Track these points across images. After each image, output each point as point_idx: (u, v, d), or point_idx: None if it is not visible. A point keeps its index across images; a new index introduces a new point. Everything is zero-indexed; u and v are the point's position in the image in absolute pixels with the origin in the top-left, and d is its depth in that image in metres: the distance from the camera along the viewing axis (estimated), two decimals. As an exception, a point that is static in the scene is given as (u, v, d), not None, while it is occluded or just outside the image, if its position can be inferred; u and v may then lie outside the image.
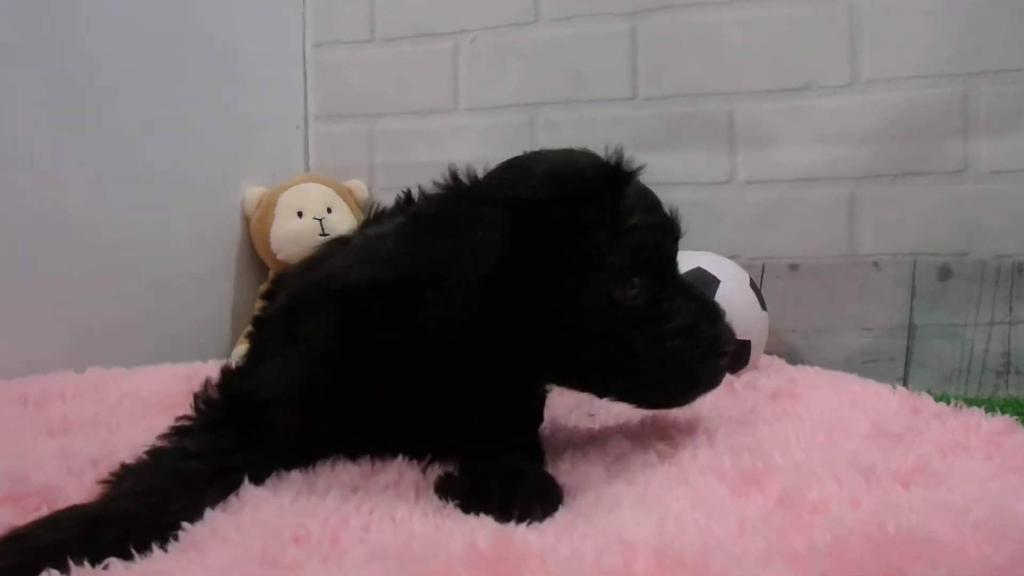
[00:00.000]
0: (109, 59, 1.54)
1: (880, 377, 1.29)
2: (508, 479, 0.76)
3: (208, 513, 0.70)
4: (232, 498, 0.74)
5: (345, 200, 1.89)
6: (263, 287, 1.66)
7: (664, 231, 0.88)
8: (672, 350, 0.83)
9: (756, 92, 1.69)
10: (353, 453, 0.86)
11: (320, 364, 0.86)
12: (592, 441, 0.98)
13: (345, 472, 0.82)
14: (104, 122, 1.53)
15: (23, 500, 0.76)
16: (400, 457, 0.85)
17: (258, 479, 0.78)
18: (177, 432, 0.84)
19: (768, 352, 1.54)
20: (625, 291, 0.82)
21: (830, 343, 1.64)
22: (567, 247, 0.80)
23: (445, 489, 0.76)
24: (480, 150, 0.90)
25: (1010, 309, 1.54)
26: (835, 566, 0.55)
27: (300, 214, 1.81)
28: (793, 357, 1.61)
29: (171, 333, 1.64)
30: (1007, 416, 0.95)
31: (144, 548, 0.63)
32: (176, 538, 0.65)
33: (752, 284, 1.47)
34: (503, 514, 0.68)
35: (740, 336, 1.38)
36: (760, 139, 1.69)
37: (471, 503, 0.72)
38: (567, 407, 1.11)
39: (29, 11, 1.40)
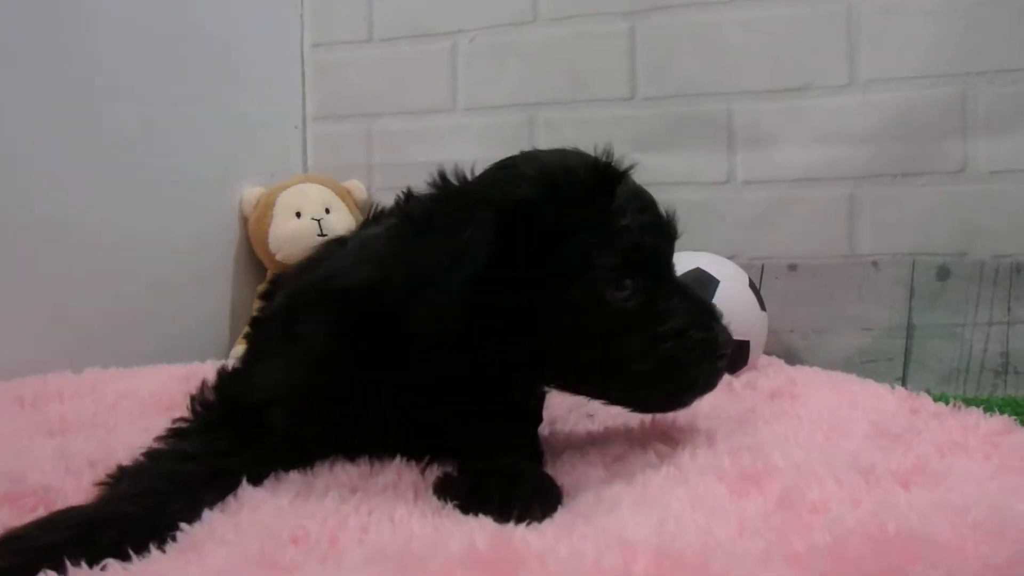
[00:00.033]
0: (109, 59, 1.54)
1: (879, 377, 1.30)
2: (507, 479, 0.76)
3: (206, 514, 0.69)
4: (230, 499, 0.74)
5: (344, 200, 1.89)
6: (261, 287, 1.66)
7: (658, 232, 0.87)
8: (667, 352, 0.82)
9: (755, 92, 1.69)
10: (351, 454, 0.86)
11: (317, 365, 0.85)
12: (591, 441, 0.99)
13: (343, 473, 0.82)
14: (104, 122, 1.53)
15: (20, 500, 0.76)
16: (399, 458, 0.85)
17: (256, 480, 0.78)
18: (174, 434, 0.84)
19: (767, 352, 1.54)
20: (617, 292, 0.81)
21: (829, 343, 1.64)
22: (558, 247, 0.80)
23: (444, 490, 0.76)
24: (479, 150, 0.90)
25: (1008, 309, 1.54)
26: (835, 566, 0.55)
27: (298, 214, 1.81)
28: (792, 357, 1.61)
29: (170, 333, 1.64)
30: (1005, 416, 0.95)
31: (141, 550, 0.62)
32: (174, 539, 0.65)
33: (751, 284, 1.47)
34: (502, 514, 0.68)
35: (739, 336, 1.38)
36: (759, 139, 1.69)
37: (470, 503, 0.71)
38: (566, 407, 1.10)
39: (29, 11, 1.40)
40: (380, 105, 1.99)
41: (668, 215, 0.89)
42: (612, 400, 0.88)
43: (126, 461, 0.77)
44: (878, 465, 0.77)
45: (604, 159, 0.86)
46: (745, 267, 1.53)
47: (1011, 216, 1.54)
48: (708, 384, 0.86)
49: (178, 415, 0.88)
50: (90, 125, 1.51)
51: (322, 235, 1.76)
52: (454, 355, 0.81)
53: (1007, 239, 1.55)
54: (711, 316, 0.87)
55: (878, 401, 1.12)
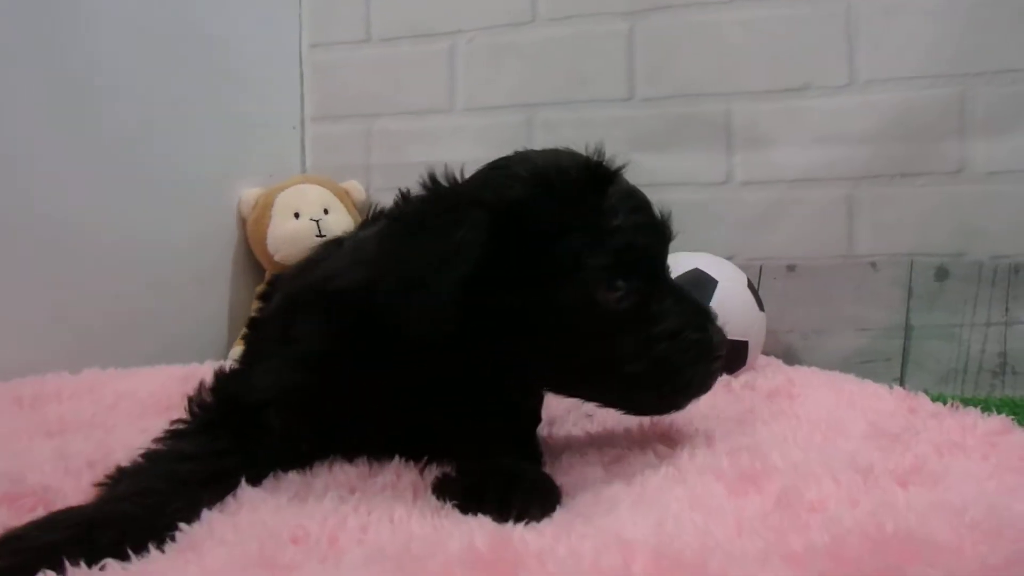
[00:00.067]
0: (109, 59, 1.54)
1: (877, 377, 1.30)
2: (506, 479, 0.76)
3: (205, 514, 0.69)
4: (229, 499, 0.74)
5: (342, 201, 1.89)
6: (259, 288, 1.66)
7: (652, 232, 0.86)
8: (661, 353, 0.82)
9: (754, 92, 1.69)
10: (350, 454, 0.86)
11: (313, 366, 0.85)
12: (590, 442, 0.99)
13: (342, 473, 0.82)
14: (104, 122, 1.53)
15: (19, 501, 0.76)
16: (397, 458, 0.85)
17: (255, 481, 0.78)
18: (172, 435, 0.84)
19: (766, 353, 1.54)
20: (609, 293, 0.81)
21: (827, 344, 1.64)
22: (550, 248, 0.80)
23: (443, 489, 0.76)
24: (477, 150, 0.90)
25: (1006, 309, 1.54)
26: (833, 566, 0.55)
27: (297, 215, 1.81)
28: (790, 358, 1.61)
29: (168, 333, 1.64)
30: (1003, 416, 0.95)
31: (140, 550, 0.62)
32: (173, 539, 0.65)
33: (750, 285, 1.47)
34: (501, 514, 0.68)
35: (738, 337, 1.39)
36: (758, 140, 1.70)
37: (469, 503, 0.71)
38: (565, 408, 1.11)
39: (29, 11, 1.40)
40: (378, 105, 1.99)
41: (662, 216, 0.88)
42: (606, 402, 0.87)
43: (125, 462, 0.77)
44: (876, 465, 0.77)
45: (596, 159, 0.86)
46: (743, 268, 1.53)
47: (1009, 217, 1.55)
48: (702, 386, 0.85)
49: (176, 416, 0.88)
50: (90, 125, 1.51)
51: (320, 236, 1.76)
52: (448, 356, 0.81)
53: (1005, 240, 1.55)
54: (706, 317, 0.86)
55: (876, 401, 1.12)
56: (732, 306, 1.39)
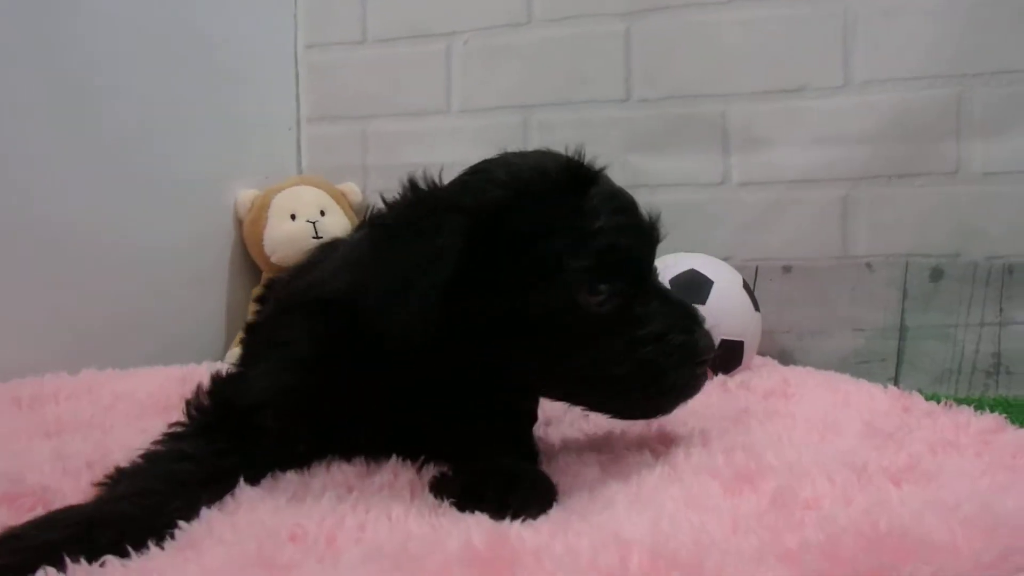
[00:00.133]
0: (108, 59, 1.54)
1: (872, 378, 1.31)
2: (503, 478, 0.76)
3: (204, 513, 0.70)
4: (228, 499, 0.74)
5: (338, 203, 1.89)
6: (256, 291, 1.66)
7: (636, 234, 0.85)
8: (645, 357, 0.81)
9: (751, 93, 1.70)
10: (346, 455, 0.87)
11: (304, 370, 0.86)
12: (587, 441, 0.99)
13: (340, 473, 0.83)
14: (103, 122, 1.53)
15: (19, 500, 0.76)
16: (394, 458, 0.85)
17: (253, 481, 0.78)
18: (170, 437, 0.84)
19: (761, 353, 1.55)
20: (591, 296, 0.80)
21: (823, 344, 1.65)
22: (530, 251, 0.79)
23: (440, 488, 0.77)
24: (474, 152, 0.90)
25: (1001, 310, 1.55)
26: (828, 563, 0.56)
27: (293, 217, 1.81)
28: (786, 358, 1.62)
29: (167, 334, 1.64)
30: (996, 414, 0.96)
31: (140, 548, 0.63)
32: (172, 538, 0.65)
33: (745, 285, 1.48)
34: (498, 512, 0.68)
35: (733, 337, 1.40)
36: (754, 141, 1.70)
37: (466, 502, 0.72)
38: (561, 407, 1.10)
39: (29, 11, 1.40)
40: (374, 106, 1.99)
41: (650, 217, 0.87)
42: (593, 407, 0.87)
43: (123, 462, 0.78)
44: (871, 463, 0.78)
45: (577, 160, 0.86)
46: (739, 268, 1.54)
47: (1005, 217, 1.55)
48: (688, 389, 0.84)
49: (175, 417, 0.88)
50: (89, 125, 1.51)
51: (317, 237, 1.77)
52: (434, 359, 0.81)
53: (1001, 240, 1.55)
54: (692, 320, 0.85)
55: (871, 400, 1.13)
56: (728, 306, 1.40)
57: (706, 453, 0.85)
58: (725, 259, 1.55)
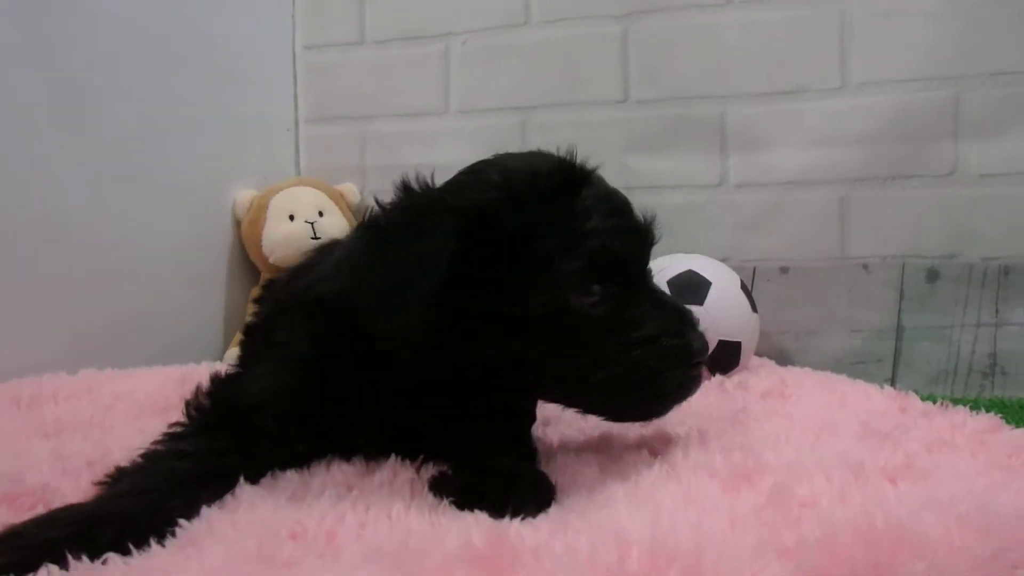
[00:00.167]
0: (108, 59, 1.55)
1: (869, 378, 1.31)
2: (502, 477, 0.77)
3: (204, 511, 0.70)
4: (228, 497, 0.74)
5: (337, 203, 1.89)
6: (254, 292, 1.66)
7: (628, 236, 0.85)
8: (637, 359, 0.80)
9: (748, 95, 1.70)
10: (345, 455, 0.87)
11: (301, 371, 0.86)
12: (585, 440, 1.00)
13: (340, 472, 0.83)
14: (103, 122, 1.54)
15: (19, 500, 0.76)
16: (393, 457, 0.86)
17: (252, 480, 0.79)
18: (170, 437, 0.84)
19: (759, 354, 1.55)
20: (584, 298, 0.80)
21: (820, 345, 1.65)
22: (522, 252, 0.79)
23: (440, 487, 0.77)
24: (472, 152, 0.90)
25: (996, 311, 1.55)
26: (825, 559, 0.56)
27: (292, 217, 1.82)
28: (783, 358, 1.62)
29: (166, 334, 1.64)
30: (992, 414, 0.97)
31: (140, 546, 0.63)
32: (173, 535, 0.66)
33: (743, 286, 1.48)
34: (498, 512, 0.69)
35: (731, 338, 1.40)
36: (752, 142, 1.71)
37: (466, 500, 0.72)
38: (560, 407, 1.11)
39: (29, 11, 1.40)
40: (372, 107, 1.99)
41: (644, 219, 0.87)
42: (586, 409, 0.86)
43: (123, 462, 0.78)
44: (867, 462, 0.78)
45: (569, 161, 0.85)
46: (737, 269, 1.54)
47: (1001, 219, 1.56)
48: (682, 392, 0.84)
49: (174, 417, 0.88)
50: (89, 125, 1.51)
51: (316, 238, 1.77)
52: (430, 360, 0.81)
53: (997, 242, 1.56)
54: (685, 323, 0.84)
55: (868, 401, 1.13)
56: (726, 307, 1.40)
57: (704, 452, 0.86)
58: (723, 260, 1.55)
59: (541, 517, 0.70)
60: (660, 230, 0.89)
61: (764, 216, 1.70)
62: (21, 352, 1.35)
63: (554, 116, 1.83)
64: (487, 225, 0.79)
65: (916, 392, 1.14)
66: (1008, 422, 0.95)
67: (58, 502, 0.74)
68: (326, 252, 1.04)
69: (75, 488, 0.79)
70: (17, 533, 0.63)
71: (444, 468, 0.82)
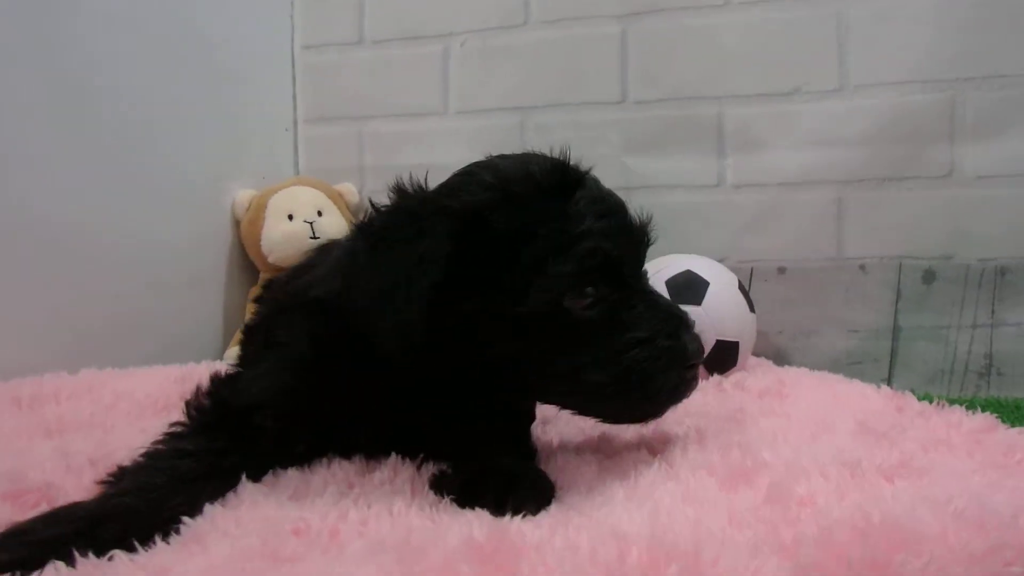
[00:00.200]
0: (108, 59, 1.55)
1: (865, 378, 1.32)
2: (502, 475, 0.77)
3: (207, 508, 0.71)
4: (230, 495, 0.75)
5: (335, 203, 1.90)
6: (254, 291, 1.67)
7: (623, 237, 0.84)
8: (632, 361, 0.80)
9: (746, 96, 1.71)
10: (345, 454, 0.88)
11: (299, 371, 0.87)
12: (584, 439, 1.00)
13: (341, 470, 0.83)
14: (102, 122, 1.54)
15: (22, 498, 0.77)
16: (394, 456, 0.86)
17: (254, 478, 0.79)
18: (171, 437, 0.85)
19: (756, 354, 1.56)
20: (577, 300, 0.80)
21: (817, 345, 1.66)
22: (516, 254, 0.79)
23: (440, 485, 0.78)
24: (471, 153, 0.91)
25: (993, 312, 1.56)
26: (822, 555, 0.57)
27: (290, 217, 1.82)
28: (781, 358, 1.63)
29: (166, 334, 1.65)
30: (988, 414, 0.97)
31: (144, 543, 0.64)
32: (177, 532, 0.66)
33: (741, 286, 1.49)
34: (498, 509, 0.69)
35: (729, 338, 1.41)
36: (749, 143, 1.71)
37: (466, 498, 0.73)
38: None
39: (29, 11, 1.40)
40: (371, 108, 2.00)
41: (639, 220, 0.87)
42: (581, 411, 0.86)
43: (125, 461, 0.78)
44: (864, 460, 0.79)
45: (563, 162, 0.85)
46: (735, 270, 1.55)
47: (997, 220, 1.57)
48: (676, 393, 0.83)
49: (174, 416, 0.89)
50: (89, 125, 1.51)
51: (315, 238, 1.77)
52: (428, 361, 0.81)
53: (993, 243, 1.57)
54: (679, 324, 0.84)
55: (864, 400, 1.14)
56: (723, 307, 1.41)
57: (702, 451, 0.86)
58: (720, 260, 1.56)
59: (541, 515, 0.70)
60: (657, 230, 0.89)
61: (762, 216, 1.71)
62: (22, 352, 1.35)
63: (553, 116, 1.83)
64: (481, 227, 0.79)
65: (913, 392, 1.15)
66: (1004, 422, 0.96)
67: (61, 500, 0.75)
68: (325, 252, 1.04)
69: (78, 486, 0.80)
70: (22, 530, 0.64)
71: (444, 467, 0.83)
